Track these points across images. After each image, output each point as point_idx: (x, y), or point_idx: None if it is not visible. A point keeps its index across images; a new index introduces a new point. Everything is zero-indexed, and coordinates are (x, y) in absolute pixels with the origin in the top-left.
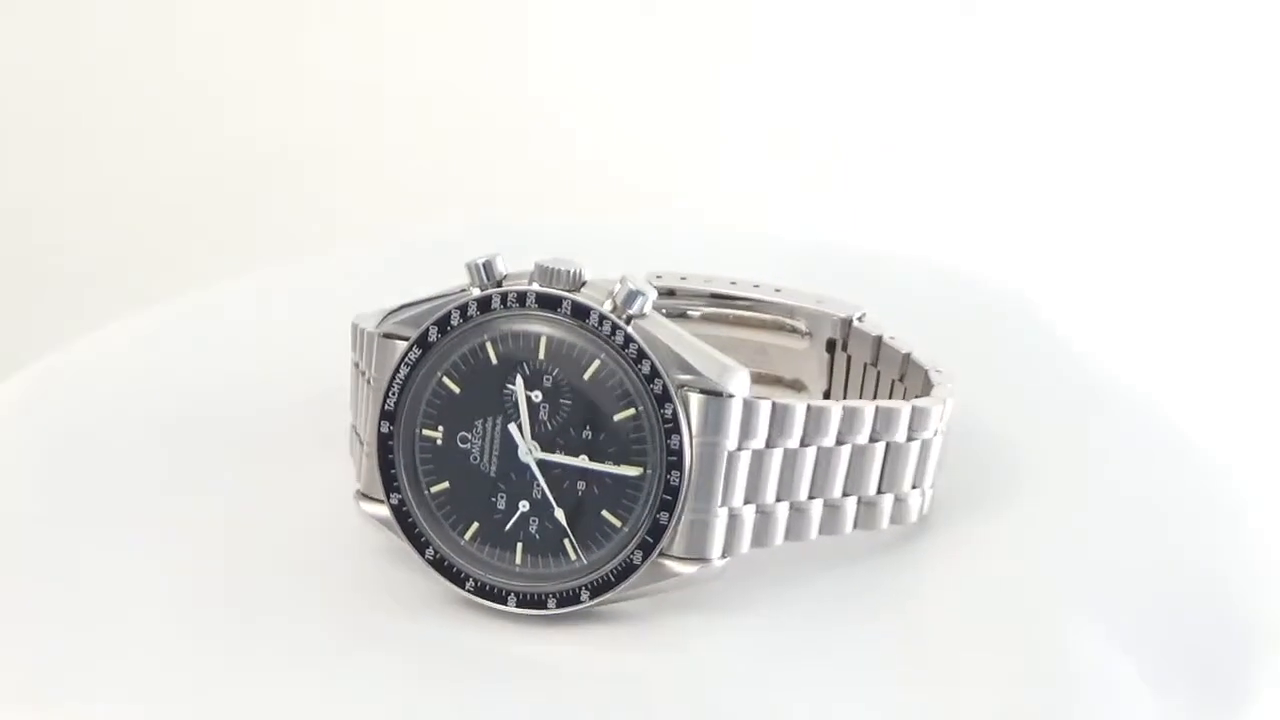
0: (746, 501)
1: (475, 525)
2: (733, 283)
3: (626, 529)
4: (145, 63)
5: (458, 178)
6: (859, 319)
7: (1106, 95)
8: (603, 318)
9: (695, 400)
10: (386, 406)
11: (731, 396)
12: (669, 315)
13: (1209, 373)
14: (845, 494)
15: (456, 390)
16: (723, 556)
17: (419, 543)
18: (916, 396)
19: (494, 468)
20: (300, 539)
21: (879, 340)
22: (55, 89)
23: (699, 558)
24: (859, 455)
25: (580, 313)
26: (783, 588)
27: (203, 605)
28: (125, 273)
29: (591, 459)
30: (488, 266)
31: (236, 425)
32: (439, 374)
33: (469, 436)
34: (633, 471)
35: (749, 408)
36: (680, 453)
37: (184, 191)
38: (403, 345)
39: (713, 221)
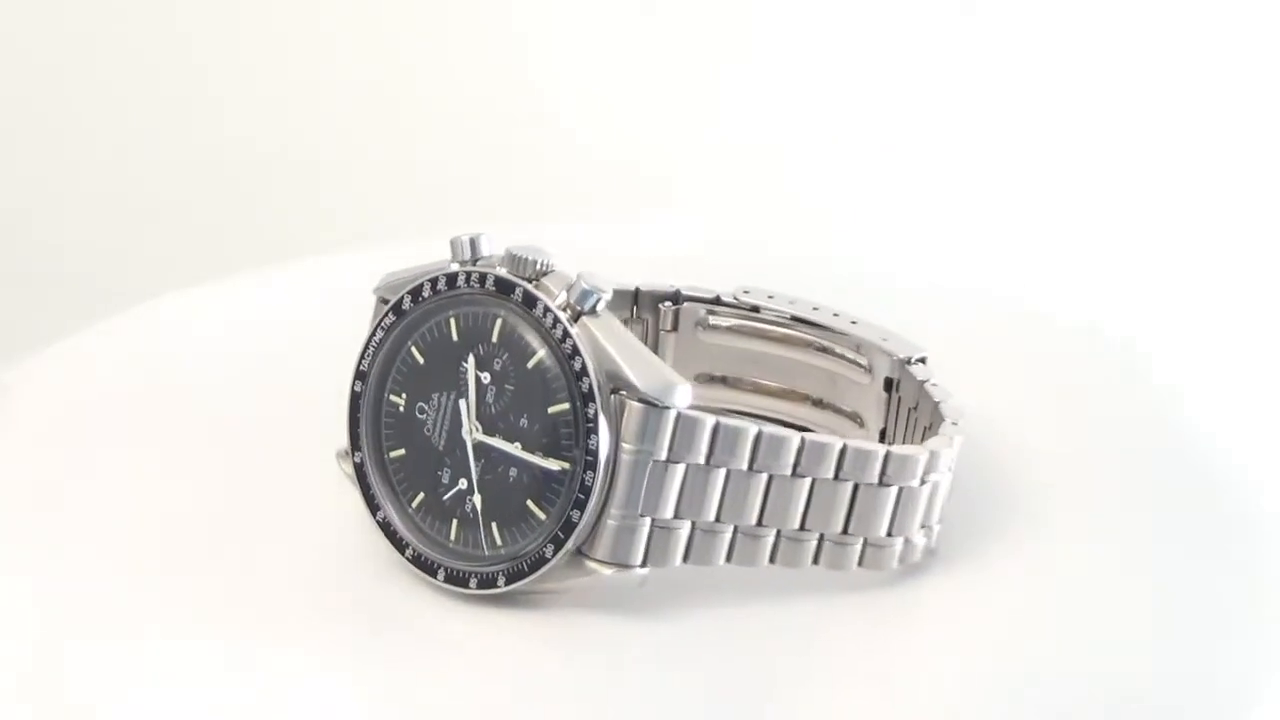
0: (679, 516)
1: (421, 495)
2: (815, 308)
3: (548, 522)
4: (144, 62)
5: (457, 178)
6: (913, 361)
7: (1112, 103)
8: (548, 310)
9: (632, 408)
10: (361, 367)
11: (667, 408)
12: (746, 333)
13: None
14: (805, 528)
15: (420, 361)
16: (645, 565)
17: (372, 504)
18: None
19: (442, 442)
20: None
21: (922, 385)
22: (54, 89)
23: (619, 563)
24: (823, 491)
25: (529, 302)
26: (742, 608)
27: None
28: (124, 273)
29: (524, 448)
30: (473, 243)
31: (236, 425)
32: (408, 342)
33: (426, 408)
34: (556, 466)
35: (687, 422)
36: (597, 453)
37: (183, 191)
38: (383, 309)
39: (729, 229)
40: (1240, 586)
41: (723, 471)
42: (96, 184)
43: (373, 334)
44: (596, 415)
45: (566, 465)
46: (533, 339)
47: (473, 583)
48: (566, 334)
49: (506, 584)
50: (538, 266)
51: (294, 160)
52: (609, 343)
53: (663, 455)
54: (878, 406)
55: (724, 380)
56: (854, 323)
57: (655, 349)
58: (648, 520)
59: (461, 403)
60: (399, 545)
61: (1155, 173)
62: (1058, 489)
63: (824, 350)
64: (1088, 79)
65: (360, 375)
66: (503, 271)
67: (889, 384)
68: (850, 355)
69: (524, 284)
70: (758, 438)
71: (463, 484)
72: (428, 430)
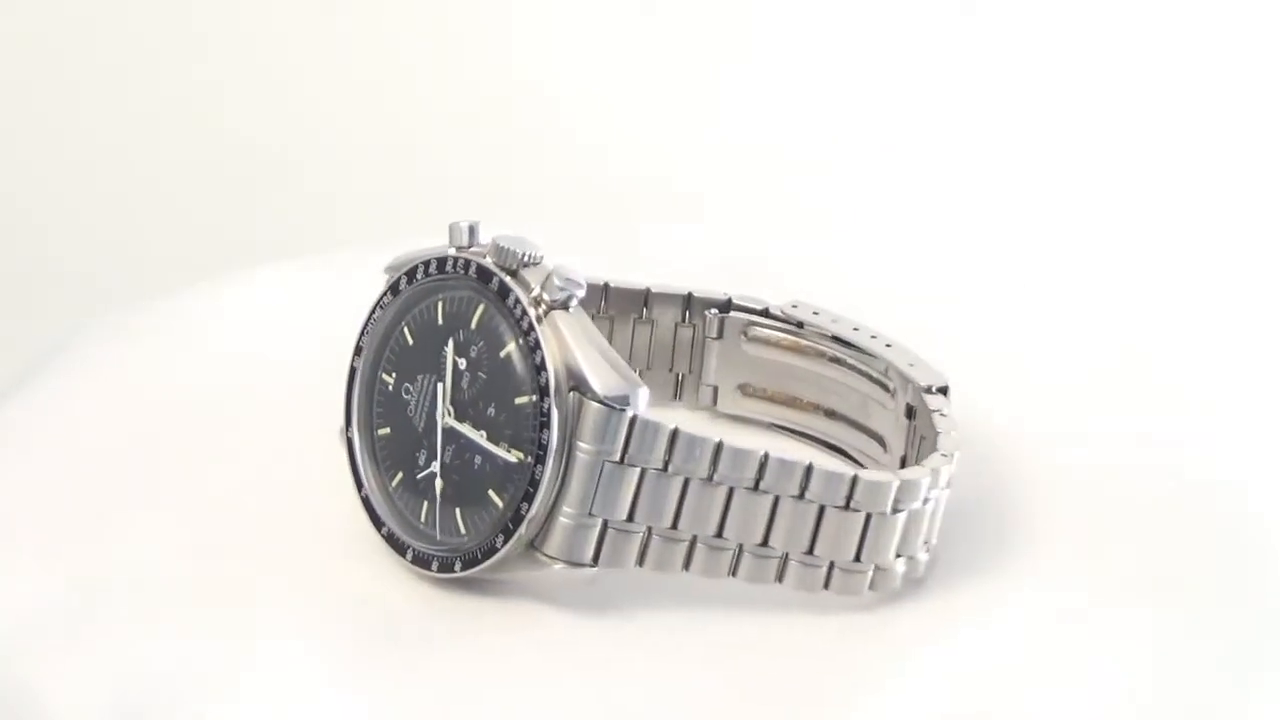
0: (634, 519)
1: (400, 475)
2: (855, 328)
3: (502, 511)
4: (144, 62)
5: (456, 177)
6: (933, 390)
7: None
8: (518, 301)
9: (589, 408)
10: (360, 343)
11: (622, 410)
12: (787, 347)
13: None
14: (768, 544)
15: (410, 341)
16: (596, 565)
17: (358, 480)
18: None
19: (422, 424)
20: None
21: (931, 415)
22: (55, 88)
23: (570, 560)
24: (787, 509)
25: (504, 292)
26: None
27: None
28: (124, 273)
29: (488, 437)
30: (471, 230)
31: (234, 423)
32: (401, 323)
33: (410, 389)
34: (513, 457)
35: (644, 426)
36: (547, 448)
37: (184, 191)
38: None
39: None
40: (1241, 615)
41: (680, 479)
42: (95, 184)
43: (372, 311)
44: (549, 411)
45: (523, 457)
46: (505, 329)
47: (434, 565)
48: (532, 327)
49: (462, 570)
50: (520, 257)
51: (292, 160)
52: (573, 340)
53: (618, 457)
54: (900, 433)
55: (764, 393)
56: (888, 345)
57: (700, 355)
58: (600, 520)
59: (439, 386)
60: (377, 523)
61: (1155, 175)
62: (1055, 512)
63: (858, 372)
64: (1087, 79)
65: (358, 351)
66: (487, 260)
67: (909, 411)
68: (880, 378)
69: (501, 274)
70: (717, 448)
71: (434, 467)
72: (410, 411)
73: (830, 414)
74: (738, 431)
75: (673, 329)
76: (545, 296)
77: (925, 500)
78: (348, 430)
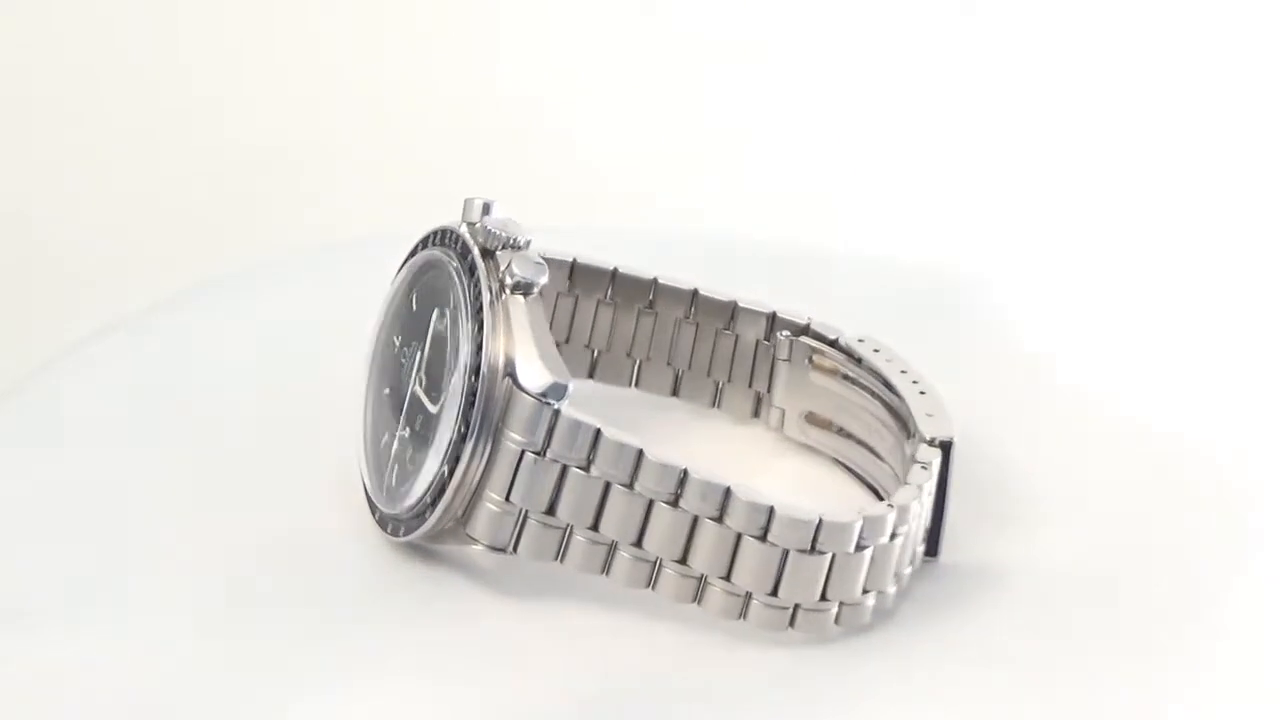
0: (553, 513)
1: (386, 436)
2: (903, 370)
3: (434, 484)
4: (143, 62)
5: (454, 178)
6: (934, 442)
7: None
8: (478, 282)
9: (517, 398)
10: (387, 307)
11: (548, 405)
12: (844, 379)
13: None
14: (686, 563)
15: (414, 308)
16: (515, 552)
17: (364, 437)
18: None
19: (406, 388)
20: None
21: (913, 466)
22: (54, 89)
23: (490, 544)
24: (703, 530)
25: (471, 270)
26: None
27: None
28: (124, 272)
29: (441, 409)
30: (485, 207)
31: (234, 423)
32: (413, 289)
33: (406, 354)
34: (452, 433)
35: (568, 423)
36: (469, 427)
37: (183, 191)
38: None
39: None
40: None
41: (602, 482)
42: (96, 184)
43: (397, 274)
44: (474, 391)
45: (453, 433)
46: (464, 307)
47: (388, 528)
48: (482, 308)
49: (405, 535)
50: (501, 239)
51: (292, 160)
52: (517, 327)
53: (539, 450)
54: (904, 462)
55: (827, 423)
56: (922, 393)
57: (769, 375)
58: (519, 510)
59: (419, 355)
60: (362, 480)
61: (1144, 175)
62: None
63: (892, 413)
64: (1086, 79)
65: (384, 312)
66: (473, 237)
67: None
68: (905, 421)
69: (476, 253)
70: (638, 456)
71: (405, 431)
72: (403, 375)
73: (874, 453)
74: (799, 458)
75: (754, 346)
76: (507, 280)
77: (893, 536)
78: (367, 388)
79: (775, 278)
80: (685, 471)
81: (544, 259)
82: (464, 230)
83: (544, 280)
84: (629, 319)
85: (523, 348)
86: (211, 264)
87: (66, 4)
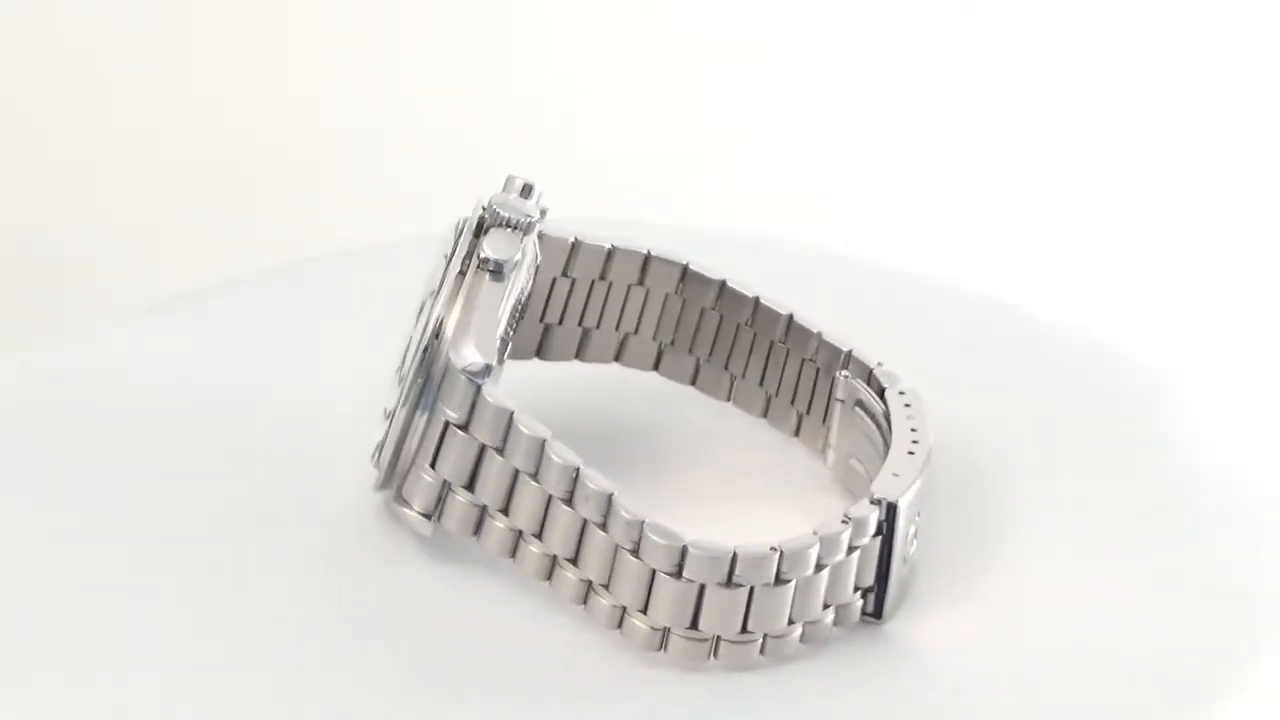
0: (471, 489)
1: (393, 401)
2: (909, 404)
3: (385, 449)
4: (143, 62)
5: (456, 177)
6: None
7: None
8: (455, 256)
9: (451, 371)
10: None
11: (470, 381)
12: (876, 424)
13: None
14: (577, 564)
15: (438, 284)
16: (437, 521)
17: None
18: None
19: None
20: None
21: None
22: (55, 88)
23: (419, 510)
24: (590, 532)
25: (458, 245)
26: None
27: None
28: (123, 273)
29: (417, 379)
30: (526, 188)
31: (233, 424)
32: (446, 267)
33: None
34: (402, 398)
35: (483, 402)
36: (407, 396)
37: (184, 190)
38: None
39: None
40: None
41: (511, 468)
42: (96, 185)
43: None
44: (419, 362)
45: (414, 403)
46: (445, 280)
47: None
48: (444, 282)
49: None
50: (500, 218)
51: (292, 160)
52: (465, 304)
53: (461, 424)
54: None
55: (865, 475)
56: (910, 453)
57: (824, 416)
58: (440, 480)
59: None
60: (376, 444)
61: (1144, 175)
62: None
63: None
64: (1086, 79)
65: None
66: (480, 213)
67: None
68: None
69: (469, 228)
70: (541, 445)
71: (392, 402)
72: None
73: None
74: (835, 499)
75: (814, 374)
76: (479, 256)
77: (851, 550)
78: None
79: (785, 277)
80: (578, 470)
81: (573, 241)
82: (484, 206)
83: (519, 260)
84: (693, 315)
85: (461, 324)
86: (212, 264)
87: (74, 2)
